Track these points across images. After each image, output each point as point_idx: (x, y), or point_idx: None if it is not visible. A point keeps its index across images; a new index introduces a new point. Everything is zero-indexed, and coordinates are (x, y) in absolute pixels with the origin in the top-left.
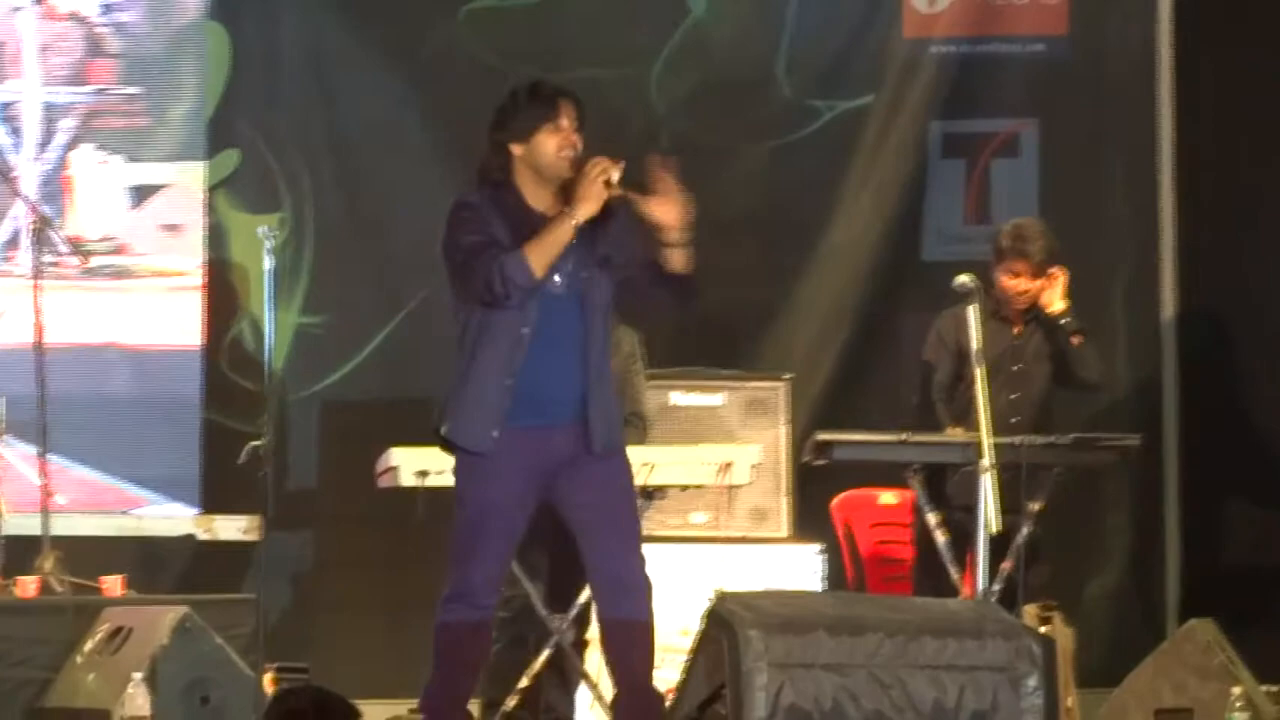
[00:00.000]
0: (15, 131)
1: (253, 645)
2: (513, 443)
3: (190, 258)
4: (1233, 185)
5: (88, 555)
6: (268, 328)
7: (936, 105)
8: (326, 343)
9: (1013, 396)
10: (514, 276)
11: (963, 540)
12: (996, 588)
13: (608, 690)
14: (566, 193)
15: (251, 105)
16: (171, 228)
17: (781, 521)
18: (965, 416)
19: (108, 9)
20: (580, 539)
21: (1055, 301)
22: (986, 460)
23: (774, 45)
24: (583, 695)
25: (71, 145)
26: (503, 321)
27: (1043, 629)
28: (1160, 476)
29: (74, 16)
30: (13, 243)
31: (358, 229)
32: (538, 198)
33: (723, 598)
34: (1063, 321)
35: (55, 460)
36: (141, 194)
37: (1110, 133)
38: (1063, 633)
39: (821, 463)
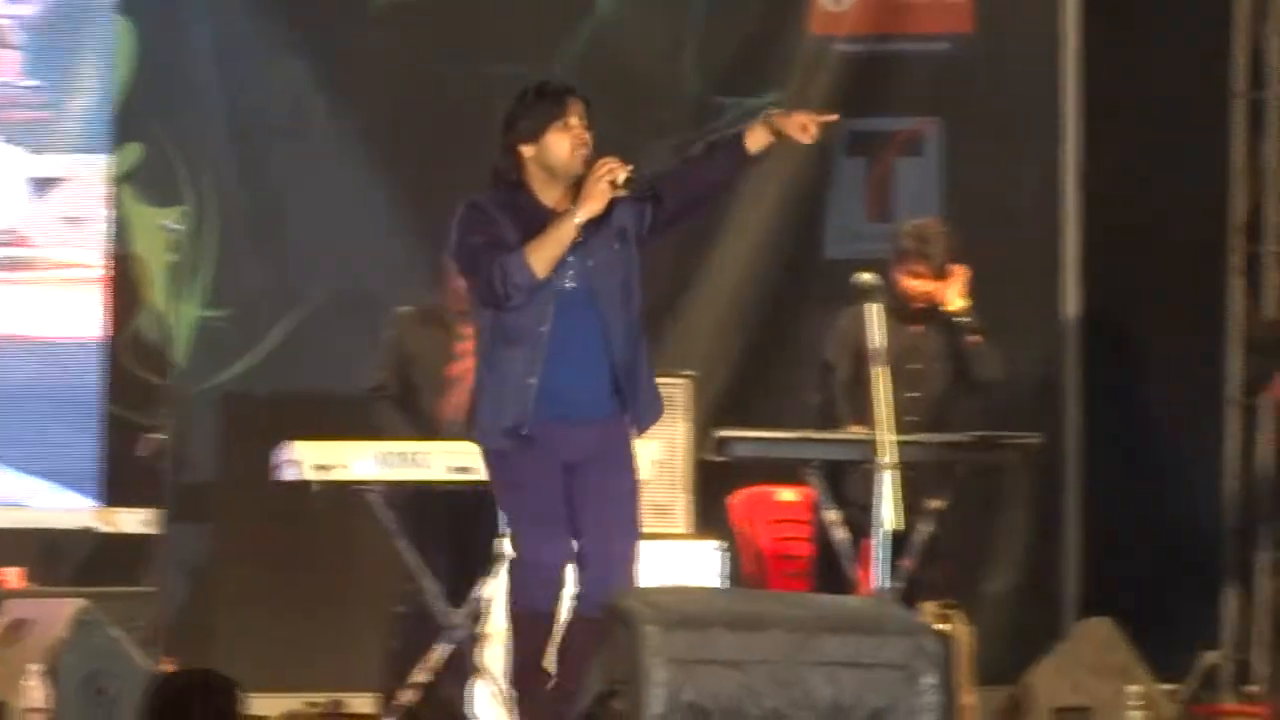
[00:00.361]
0: None
1: (153, 638)
2: (539, 438)
3: (91, 250)
4: (1136, 184)
5: None
6: (169, 321)
7: (841, 103)
8: (228, 336)
9: (911, 395)
10: (514, 276)
11: (862, 538)
12: (896, 585)
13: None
14: (579, 190)
15: (156, 99)
16: (73, 220)
17: (681, 518)
18: (866, 414)
19: (12, 0)
20: (581, 538)
21: (955, 300)
22: (885, 458)
23: (679, 42)
24: (480, 689)
25: None
26: (520, 322)
27: (942, 627)
28: (1060, 475)
29: None
30: None
31: (261, 223)
32: (550, 197)
33: (622, 593)
34: (962, 321)
35: None
36: (43, 186)
37: (1014, 131)
38: (962, 631)
39: (721, 459)
